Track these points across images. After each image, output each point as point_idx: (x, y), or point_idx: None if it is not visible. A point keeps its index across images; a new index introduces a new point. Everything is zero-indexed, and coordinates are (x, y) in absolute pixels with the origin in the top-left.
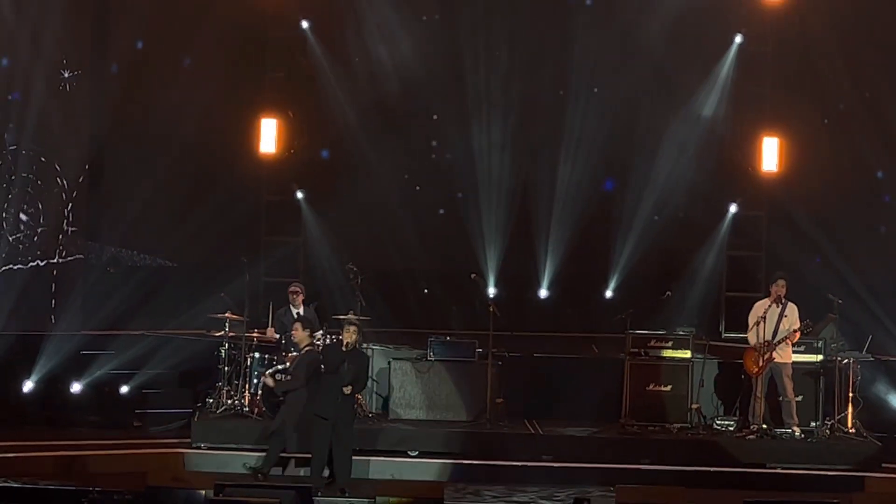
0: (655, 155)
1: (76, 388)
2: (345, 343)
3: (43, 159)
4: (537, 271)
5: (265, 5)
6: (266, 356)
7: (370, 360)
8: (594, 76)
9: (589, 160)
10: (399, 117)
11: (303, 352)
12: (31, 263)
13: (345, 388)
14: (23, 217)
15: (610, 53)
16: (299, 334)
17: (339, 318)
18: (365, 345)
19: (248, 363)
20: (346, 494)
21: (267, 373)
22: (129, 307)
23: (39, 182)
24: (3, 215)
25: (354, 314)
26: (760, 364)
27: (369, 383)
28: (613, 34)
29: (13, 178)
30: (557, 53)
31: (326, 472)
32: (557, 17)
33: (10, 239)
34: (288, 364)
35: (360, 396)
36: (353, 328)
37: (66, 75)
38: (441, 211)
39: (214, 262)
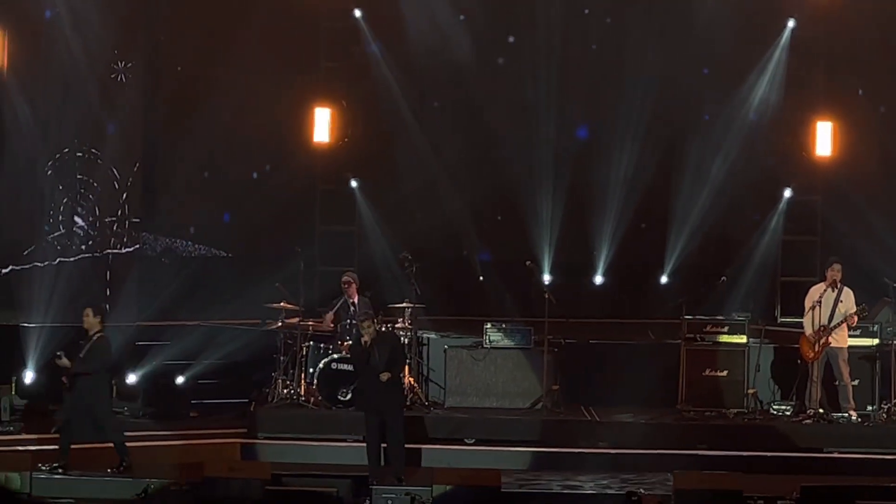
0: (709, 140)
1: (132, 379)
2: (364, 342)
3: (96, 151)
4: (592, 258)
5: None
6: (322, 345)
7: (426, 347)
8: (647, 63)
9: (643, 146)
10: (452, 105)
11: (95, 338)
12: (86, 255)
13: (382, 376)
14: (77, 209)
15: (663, 40)
16: (89, 320)
17: (395, 307)
18: (420, 332)
19: (304, 352)
20: (402, 483)
21: (58, 353)
22: (184, 298)
23: (93, 173)
24: (60, 207)
25: (410, 302)
26: (816, 349)
27: (425, 371)
28: (666, 20)
29: (68, 169)
30: (611, 41)
31: (382, 462)
32: (611, 3)
33: (65, 231)
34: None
35: (416, 385)
36: (366, 323)
37: (121, 66)
38: (495, 198)
39: (269, 252)
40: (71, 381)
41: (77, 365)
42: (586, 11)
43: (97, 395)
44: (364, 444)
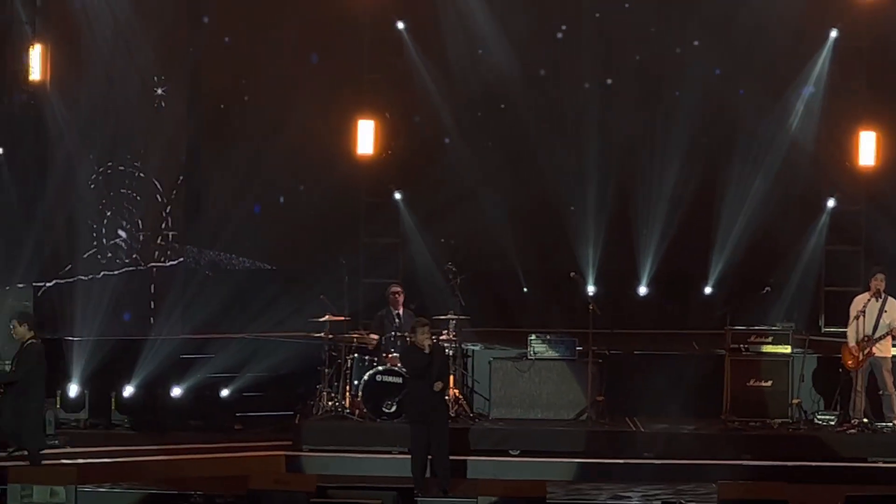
0: (752, 150)
1: (176, 392)
2: (426, 346)
3: (139, 164)
4: (636, 269)
5: (361, 7)
6: (366, 357)
7: (471, 359)
8: (689, 72)
9: (687, 156)
10: (495, 117)
11: (25, 346)
12: (130, 269)
13: (436, 385)
14: (121, 222)
15: (705, 50)
16: (17, 331)
17: (440, 319)
18: (464, 344)
19: (349, 364)
20: (448, 494)
21: None
22: (228, 310)
23: (137, 187)
24: (104, 221)
25: (454, 314)
26: (860, 358)
27: (470, 383)
28: (708, 30)
29: (110, 183)
30: (652, 49)
31: (427, 474)
32: (651, 14)
33: (109, 244)
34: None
35: (462, 397)
36: (426, 328)
37: (163, 79)
38: (539, 209)
39: (313, 264)
40: (5, 390)
41: (7, 374)
42: (625, 21)
43: (26, 403)
44: (409, 456)
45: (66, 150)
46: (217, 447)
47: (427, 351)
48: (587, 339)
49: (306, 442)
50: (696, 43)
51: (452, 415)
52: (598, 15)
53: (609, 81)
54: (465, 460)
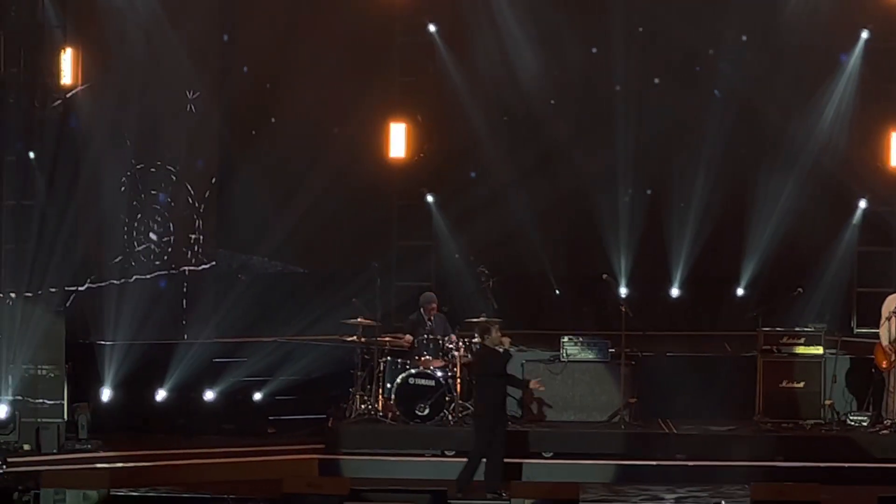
0: (783, 152)
1: (209, 395)
2: (505, 344)
3: (170, 168)
4: (669, 271)
5: (393, 10)
6: (399, 360)
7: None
8: (721, 74)
9: (719, 157)
10: (527, 120)
11: None
12: (162, 272)
13: (533, 385)
14: (153, 226)
15: (736, 52)
16: None
17: (472, 321)
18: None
19: (381, 367)
20: (505, 497)
21: None
22: (261, 314)
23: (168, 190)
24: (135, 224)
25: (486, 317)
26: (893, 358)
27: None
28: (739, 33)
29: (142, 187)
30: (684, 53)
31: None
32: (683, 17)
33: (141, 249)
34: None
35: None
36: (498, 328)
37: (195, 82)
38: (571, 211)
39: (345, 267)
40: None
41: None
42: (654, 27)
43: None
44: (442, 458)
45: (97, 154)
46: (250, 451)
47: (502, 350)
48: (620, 341)
49: (339, 445)
50: (728, 46)
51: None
52: (630, 17)
53: (649, 82)
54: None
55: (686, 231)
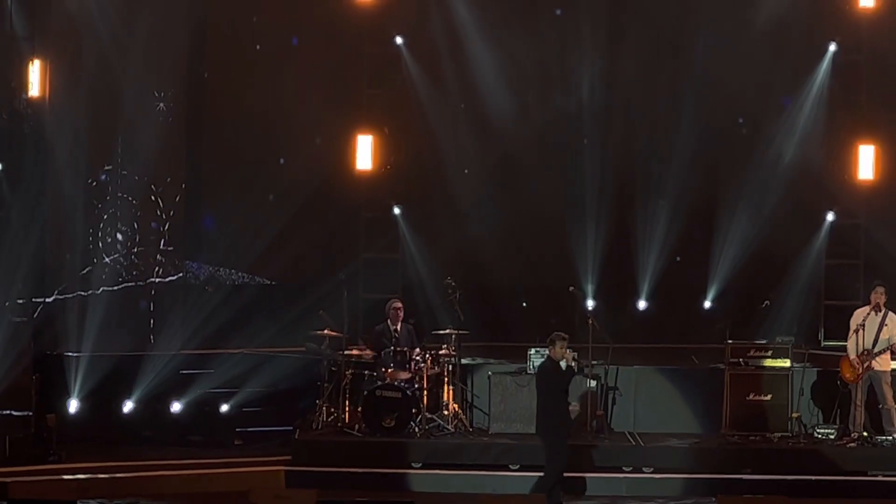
0: (751, 165)
1: (176, 407)
2: (569, 359)
3: (138, 179)
4: (636, 283)
5: (360, 22)
6: (366, 372)
7: (467, 371)
8: (690, 85)
9: (686, 170)
10: (493, 131)
11: None
12: (129, 284)
13: (573, 407)
14: (120, 237)
15: (705, 62)
16: None
17: (439, 334)
18: (464, 359)
19: (348, 379)
20: None
21: None
22: (228, 326)
23: (136, 202)
24: (101, 236)
25: (453, 329)
26: (860, 372)
27: (469, 397)
28: (708, 46)
29: (109, 198)
30: (652, 63)
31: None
32: (648, 27)
33: (108, 260)
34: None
35: (461, 411)
36: (565, 342)
37: (163, 94)
38: (538, 224)
39: (312, 280)
40: None
41: None
42: (627, 35)
43: None
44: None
45: (65, 165)
46: (217, 462)
47: (565, 366)
48: (586, 354)
49: (306, 457)
50: (697, 57)
51: (452, 430)
52: (595, 28)
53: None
54: (466, 475)
55: (653, 243)
